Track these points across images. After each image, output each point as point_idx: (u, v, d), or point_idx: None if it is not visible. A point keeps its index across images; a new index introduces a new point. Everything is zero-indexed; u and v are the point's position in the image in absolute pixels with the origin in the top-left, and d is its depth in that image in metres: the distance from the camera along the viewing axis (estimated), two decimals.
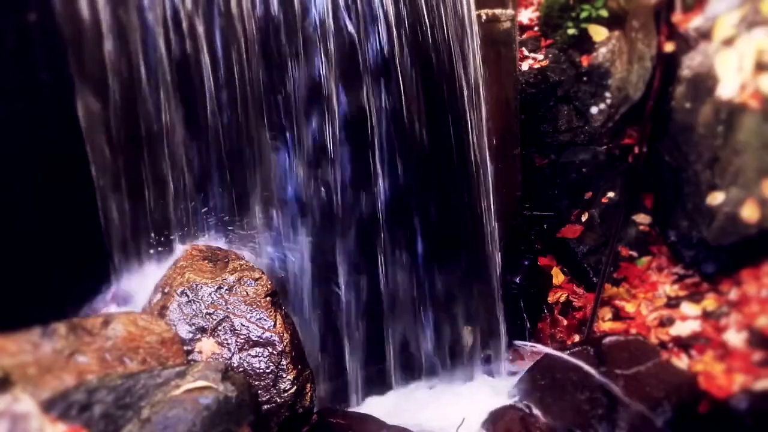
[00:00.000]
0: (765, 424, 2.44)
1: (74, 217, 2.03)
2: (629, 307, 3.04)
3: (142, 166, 2.11)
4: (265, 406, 1.84)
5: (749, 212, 2.84)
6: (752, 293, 2.81)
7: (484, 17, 2.77)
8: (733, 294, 2.87)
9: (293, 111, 2.33)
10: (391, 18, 2.37)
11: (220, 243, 2.27)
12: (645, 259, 3.22)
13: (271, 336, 1.93)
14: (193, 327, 1.93)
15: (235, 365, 1.87)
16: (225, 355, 1.89)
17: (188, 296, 1.97)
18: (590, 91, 3.28)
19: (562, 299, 3.20)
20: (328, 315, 2.51)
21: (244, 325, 1.93)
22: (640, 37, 3.35)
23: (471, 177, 2.71)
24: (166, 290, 2.00)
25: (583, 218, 3.30)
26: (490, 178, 2.75)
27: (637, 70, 3.35)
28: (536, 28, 3.40)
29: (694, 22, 3.24)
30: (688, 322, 2.86)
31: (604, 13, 3.20)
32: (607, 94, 3.28)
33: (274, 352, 1.91)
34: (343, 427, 2.24)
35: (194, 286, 1.99)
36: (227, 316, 1.94)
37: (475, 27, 2.63)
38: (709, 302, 2.90)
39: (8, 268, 1.85)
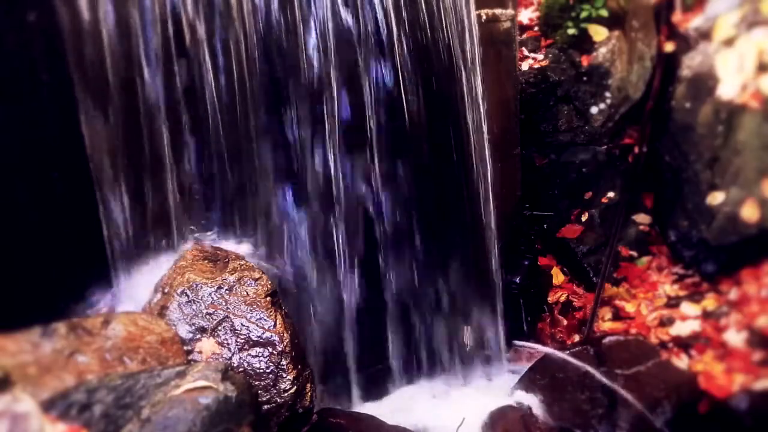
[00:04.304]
0: (765, 424, 2.44)
1: (74, 217, 2.03)
2: (629, 307, 3.05)
3: (143, 166, 2.11)
4: (265, 406, 1.84)
5: (749, 212, 2.84)
6: (752, 293, 2.81)
7: (484, 17, 2.77)
8: (733, 294, 2.87)
9: (293, 112, 2.33)
10: (392, 18, 2.37)
11: (221, 243, 2.27)
12: (645, 259, 3.22)
13: (271, 336, 1.93)
14: (193, 327, 1.93)
15: (235, 365, 1.87)
16: (225, 355, 1.89)
17: (188, 296, 1.97)
18: (590, 91, 3.28)
19: (562, 299, 3.21)
20: (329, 315, 2.51)
21: (244, 325, 1.93)
22: (640, 37, 3.35)
23: (471, 177, 2.71)
24: (166, 290, 2.00)
25: (583, 218, 3.30)
26: (490, 178, 2.75)
27: (637, 70, 3.35)
28: (536, 28, 3.40)
29: (694, 22, 3.25)
30: (688, 322, 2.86)
31: (604, 13, 3.20)
32: (607, 94, 3.28)
33: (274, 352, 1.91)
34: (343, 427, 2.24)
35: (194, 286, 1.99)
36: (227, 316, 1.94)
37: (475, 27, 2.63)
38: (709, 302, 2.90)
39: (8, 268, 1.85)
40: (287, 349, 1.92)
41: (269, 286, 2.03)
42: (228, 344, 1.91)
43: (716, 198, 2.94)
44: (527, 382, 2.63)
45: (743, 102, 2.88)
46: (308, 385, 1.94)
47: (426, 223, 2.63)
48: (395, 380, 2.73)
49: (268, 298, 2.00)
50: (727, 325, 2.77)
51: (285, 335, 1.94)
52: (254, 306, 1.98)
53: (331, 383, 2.54)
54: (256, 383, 1.85)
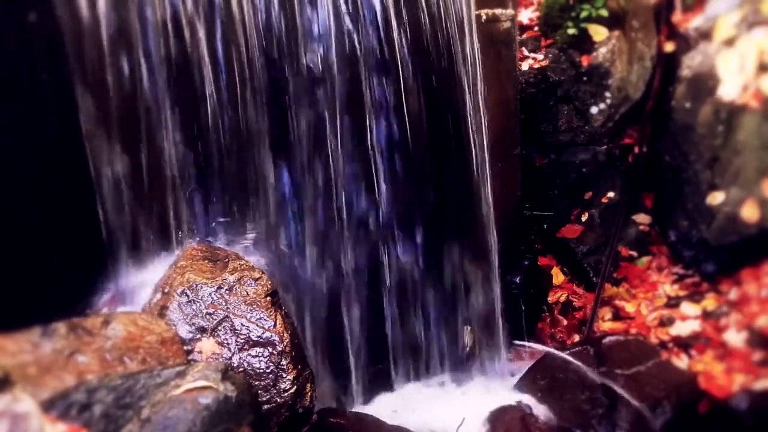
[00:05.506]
0: (765, 424, 2.45)
1: (74, 217, 2.03)
2: (629, 307, 3.05)
3: (142, 167, 2.11)
4: (265, 406, 1.84)
5: (749, 212, 2.84)
6: (752, 293, 2.81)
7: (484, 17, 2.76)
8: (733, 294, 2.87)
9: (293, 112, 2.33)
10: (392, 18, 2.37)
11: (220, 243, 2.27)
12: (645, 259, 3.22)
13: (271, 336, 1.93)
14: (193, 327, 1.93)
15: (235, 365, 1.87)
16: (225, 355, 1.89)
17: (188, 296, 1.97)
18: (590, 91, 3.28)
19: (562, 299, 3.21)
20: (329, 315, 2.51)
21: (244, 325, 1.93)
22: (640, 37, 3.35)
23: (471, 177, 2.71)
24: (166, 290, 2.00)
25: (583, 218, 3.30)
26: (489, 178, 2.75)
27: (637, 70, 3.35)
28: (536, 28, 3.40)
29: (694, 22, 3.25)
30: (688, 321, 2.86)
31: (604, 12, 3.20)
32: (607, 94, 3.28)
33: (274, 352, 1.91)
34: (343, 427, 2.24)
35: (194, 286, 1.99)
36: (227, 316, 1.94)
37: (475, 27, 2.63)
38: (709, 302, 2.90)
39: (8, 268, 1.85)
40: (287, 349, 1.92)
41: (269, 286, 2.03)
42: (228, 344, 1.91)
43: (716, 198, 2.94)
44: (527, 382, 2.63)
45: (744, 102, 2.89)
46: (308, 385, 1.94)
47: (426, 222, 2.63)
48: (395, 380, 2.73)
49: (268, 298, 2.00)
50: (727, 325, 2.77)
51: (285, 335, 1.94)
52: (254, 306, 1.98)
53: (331, 383, 2.54)
54: (256, 383, 1.85)
